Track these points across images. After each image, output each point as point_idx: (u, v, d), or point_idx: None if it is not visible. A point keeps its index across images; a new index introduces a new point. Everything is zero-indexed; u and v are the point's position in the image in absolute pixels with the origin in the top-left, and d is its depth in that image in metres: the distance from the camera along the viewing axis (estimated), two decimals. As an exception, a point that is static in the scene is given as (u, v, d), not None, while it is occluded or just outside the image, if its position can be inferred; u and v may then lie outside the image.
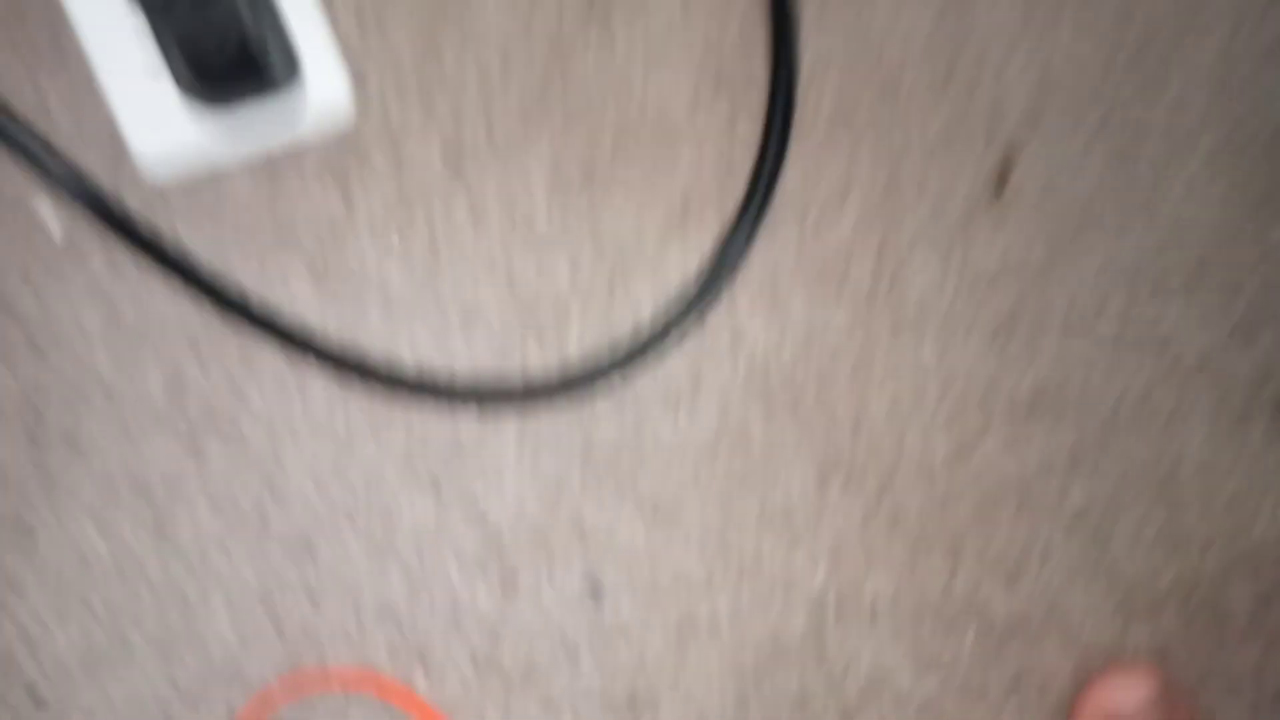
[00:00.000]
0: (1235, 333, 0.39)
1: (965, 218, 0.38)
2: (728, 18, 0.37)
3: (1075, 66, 0.37)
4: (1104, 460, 0.39)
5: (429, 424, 0.39)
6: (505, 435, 0.39)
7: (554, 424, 0.39)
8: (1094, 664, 0.37)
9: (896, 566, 0.38)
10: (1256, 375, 0.39)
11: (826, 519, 0.39)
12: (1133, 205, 0.39)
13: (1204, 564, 0.40)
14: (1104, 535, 0.39)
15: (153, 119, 0.34)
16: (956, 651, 0.38)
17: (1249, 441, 0.39)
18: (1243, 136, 0.38)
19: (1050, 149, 0.38)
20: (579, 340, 0.39)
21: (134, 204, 0.37)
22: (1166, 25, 0.37)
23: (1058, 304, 0.39)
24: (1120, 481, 0.40)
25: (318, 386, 0.39)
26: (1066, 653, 0.38)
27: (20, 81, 0.35)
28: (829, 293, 0.38)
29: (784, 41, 0.36)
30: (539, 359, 0.39)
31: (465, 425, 0.39)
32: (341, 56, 0.36)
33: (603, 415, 0.39)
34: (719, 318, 0.39)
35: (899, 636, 0.38)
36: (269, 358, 0.38)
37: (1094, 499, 0.40)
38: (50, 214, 0.38)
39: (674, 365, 0.39)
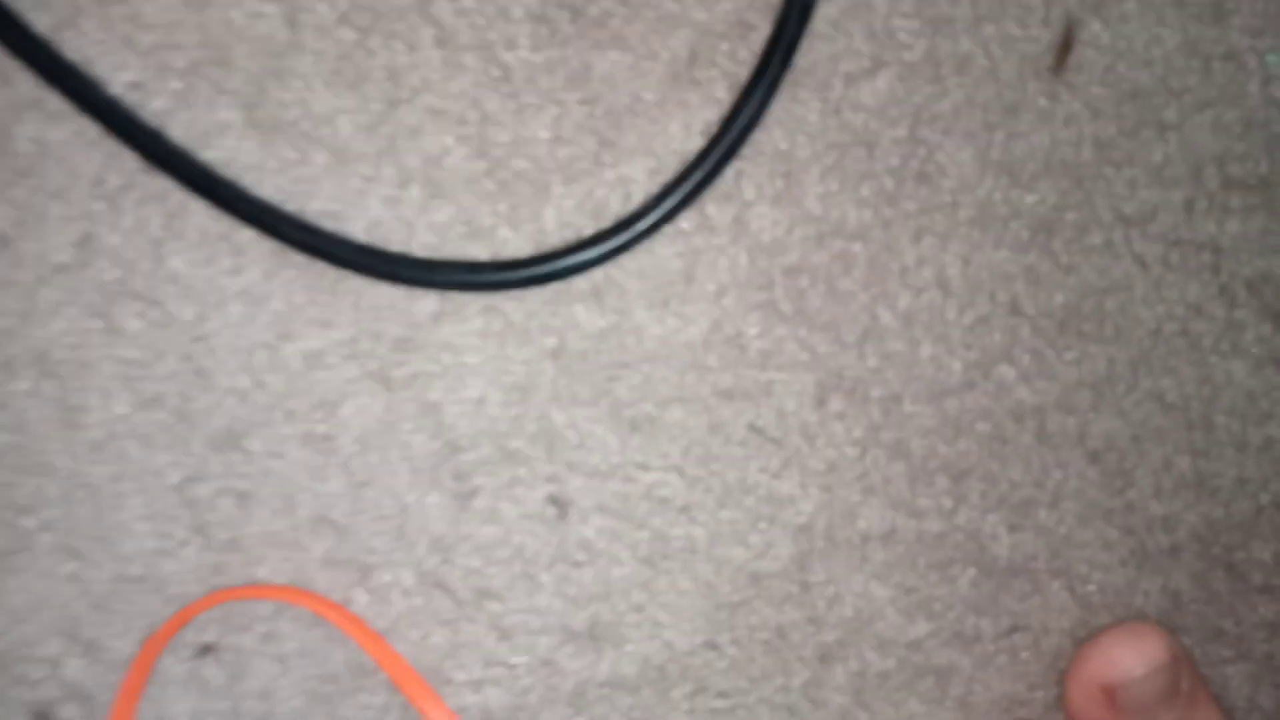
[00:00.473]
0: (1297, 260, 0.34)
1: (1011, 105, 0.33)
2: None
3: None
4: (1133, 394, 0.35)
5: (380, 305, 0.33)
6: (468, 324, 0.34)
7: (524, 315, 0.34)
8: (1098, 618, 0.34)
9: (894, 497, 0.34)
10: (1314, 309, 0.35)
11: (821, 441, 0.34)
12: (1199, 102, 0.33)
13: (1229, 513, 0.36)
14: (1124, 477, 0.35)
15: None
16: (950, 594, 0.34)
17: (1296, 382, 0.35)
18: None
19: (1116, 30, 0.32)
20: (557, 219, 0.34)
21: (34, 14, 0.30)
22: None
23: (1102, 212, 0.34)
24: (1148, 418, 0.35)
25: (253, 253, 0.33)
26: (1070, 602, 0.34)
27: None
28: (848, 183, 0.33)
29: None
30: (511, 238, 0.33)
31: (422, 309, 0.33)
32: None
33: (580, 308, 0.34)
34: (720, 204, 0.33)
35: (890, 574, 0.34)
36: (196, 216, 0.33)
37: (1117, 435, 0.35)
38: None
39: (664, 255, 0.33)
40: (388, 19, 0.33)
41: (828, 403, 0.36)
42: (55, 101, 0.33)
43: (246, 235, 0.34)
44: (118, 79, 0.33)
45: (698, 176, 0.33)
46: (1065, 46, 0.33)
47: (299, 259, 0.34)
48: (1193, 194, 0.34)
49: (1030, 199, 0.34)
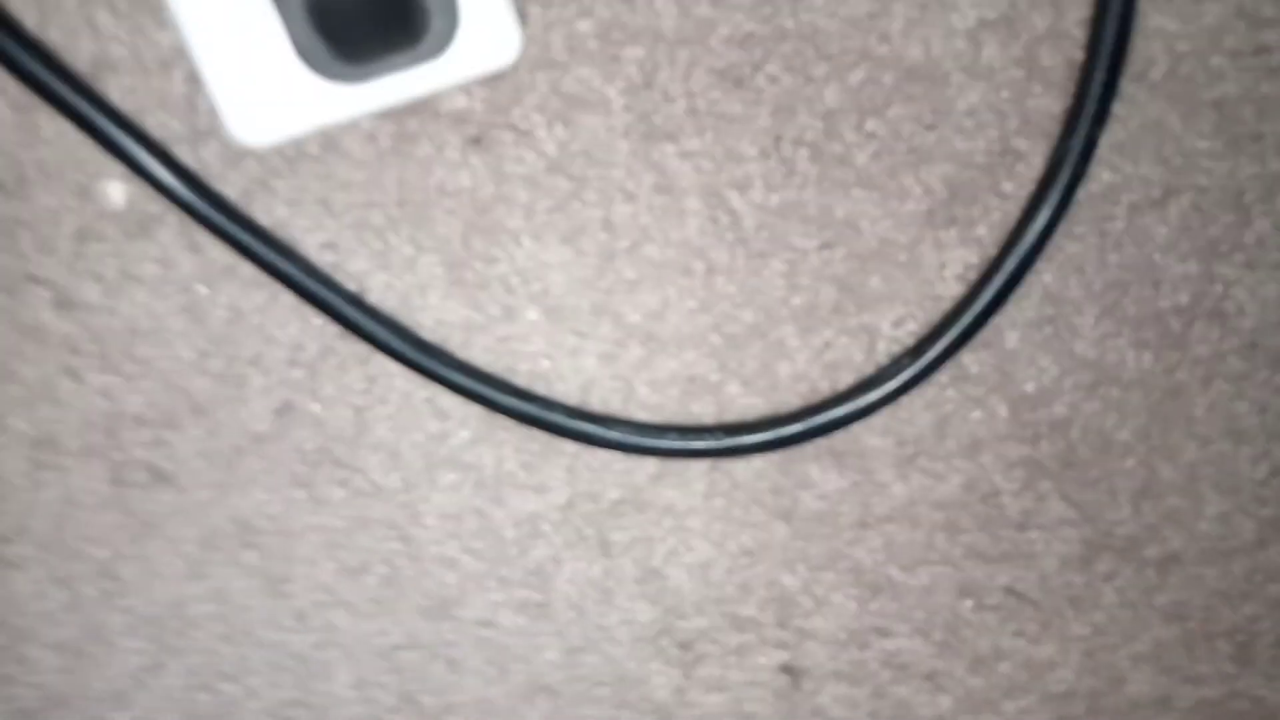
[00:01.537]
0: None
1: (1327, 234, 0.28)
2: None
3: None
4: None
5: (596, 467, 0.30)
6: (691, 486, 0.30)
7: (753, 475, 0.30)
8: None
9: (1167, 664, 0.30)
10: None
11: (1087, 604, 0.30)
12: None
13: None
14: None
15: (254, 74, 0.24)
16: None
17: None
18: None
19: None
20: (792, 374, 0.30)
21: (219, 177, 0.27)
22: None
23: None
24: None
25: (459, 417, 0.30)
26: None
27: (76, 23, 0.25)
28: (1127, 325, 0.29)
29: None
30: (738, 395, 0.30)
31: (641, 470, 0.30)
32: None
33: (815, 468, 0.30)
34: (978, 351, 0.29)
35: None
36: (399, 380, 0.30)
37: None
38: (119, 194, 0.28)
39: (913, 409, 0.29)
40: (603, 166, 0.29)
41: (1095, 563, 0.31)
42: (249, 268, 0.30)
43: (453, 399, 0.31)
44: (311, 241, 0.30)
45: (959, 327, 0.29)
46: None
47: (509, 423, 0.31)
48: None
49: (1346, 338, 0.29)
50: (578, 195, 0.31)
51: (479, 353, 0.33)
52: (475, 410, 0.33)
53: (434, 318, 0.32)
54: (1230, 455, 0.32)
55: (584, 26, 0.30)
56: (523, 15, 0.30)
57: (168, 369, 0.32)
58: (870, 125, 0.30)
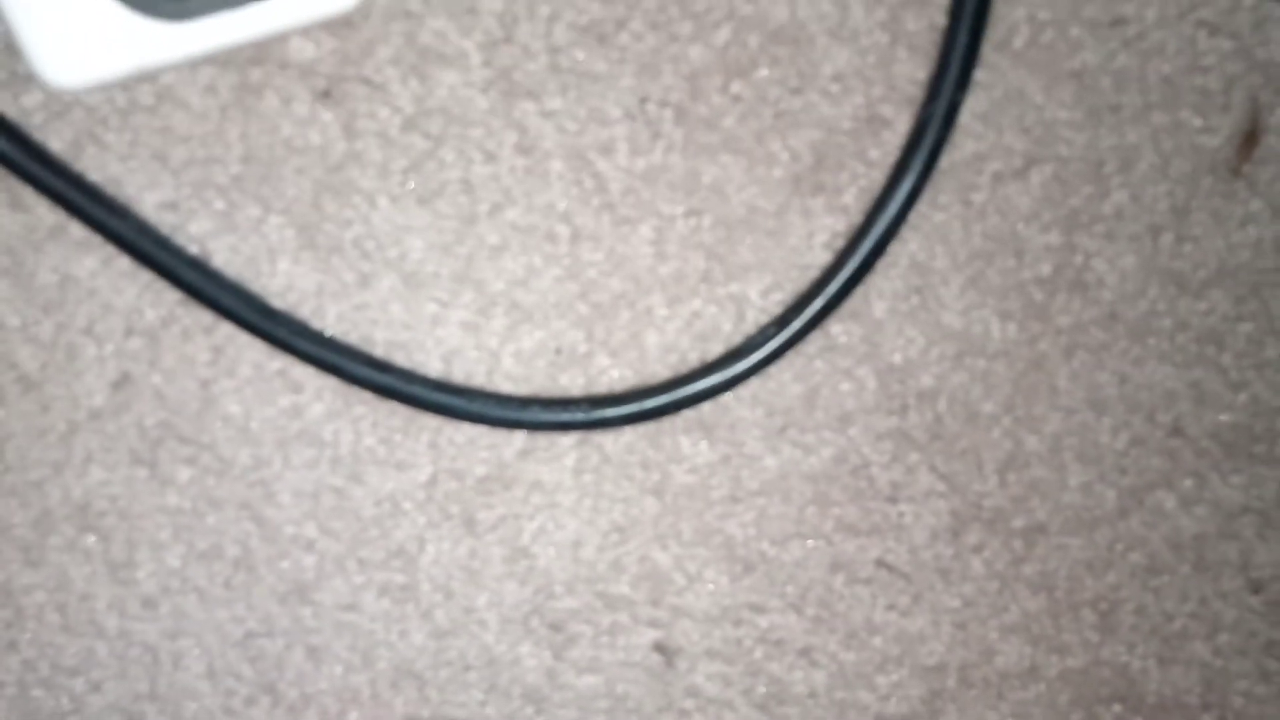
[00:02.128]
0: None
1: (1182, 205, 0.28)
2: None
3: None
4: (1305, 517, 0.31)
5: (461, 443, 0.29)
6: (560, 461, 0.29)
7: (623, 449, 0.29)
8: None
9: (1035, 634, 0.30)
10: None
11: (957, 576, 0.30)
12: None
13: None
14: (1290, 605, 0.31)
15: (68, 16, 0.22)
16: (1094, 730, 0.30)
17: None
18: None
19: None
20: (660, 344, 0.29)
21: (42, 128, 0.25)
22: None
23: (1279, 323, 0.29)
24: (1318, 541, 0.31)
25: (313, 390, 0.29)
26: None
27: None
28: (992, 295, 0.29)
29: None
30: (608, 366, 0.29)
31: (509, 446, 0.29)
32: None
33: (686, 440, 0.29)
34: (846, 322, 0.29)
35: (1029, 713, 0.31)
36: (249, 351, 0.28)
37: (1284, 562, 0.31)
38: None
39: (783, 380, 0.29)
40: (461, 123, 0.27)
41: (964, 535, 0.31)
42: (79, 228, 0.28)
43: (307, 371, 0.29)
44: (149, 199, 0.28)
45: (825, 296, 0.28)
46: (1250, 137, 0.28)
47: (368, 396, 0.29)
48: (1387, 301, 0.30)
49: (1199, 308, 0.30)
50: (435, 154, 0.29)
51: (333, 321, 0.31)
52: (330, 383, 0.31)
53: (284, 283, 0.30)
54: (1092, 426, 0.32)
55: (439, -23, 0.28)
56: (374, -37, 0.28)
57: (-9, 338, 0.30)
58: (736, 88, 0.29)
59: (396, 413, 0.32)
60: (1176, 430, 0.33)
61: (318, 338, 0.31)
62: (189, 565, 0.32)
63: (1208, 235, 0.31)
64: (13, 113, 0.28)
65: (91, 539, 0.32)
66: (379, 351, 0.31)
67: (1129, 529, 0.33)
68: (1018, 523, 0.33)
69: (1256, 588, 0.34)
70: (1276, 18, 0.29)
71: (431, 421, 0.32)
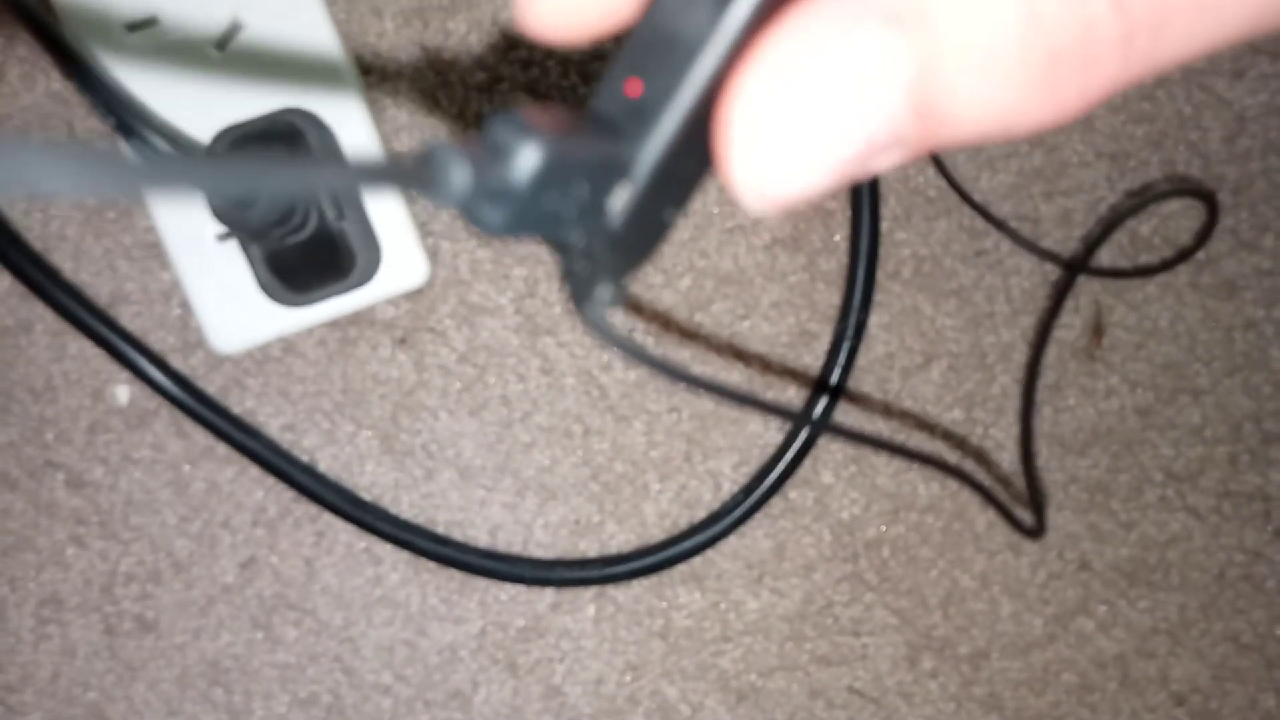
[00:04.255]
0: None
1: (1055, 384, 0.36)
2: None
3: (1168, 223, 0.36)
4: (1208, 636, 0.37)
5: (504, 600, 0.37)
6: (583, 612, 0.37)
7: (632, 600, 0.37)
8: None
9: None
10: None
11: (918, 698, 0.36)
12: (1228, 368, 0.36)
13: (1321, 746, 0.37)
14: (1210, 717, 0.37)
15: (229, 302, 0.33)
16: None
17: (1365, 614, 0.37)
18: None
19: (1141, 312, 0.36)
20: (656, 512, 0.37)
21: (204, 378, 0.36)
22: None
23: (1153, 471, 0.37)
24: (1226, 658, 0.37)
25: (391, 562, 0.37)
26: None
27: (101, 268, 0.35)
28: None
29: (867, 201, 0.35)
30: (617, 532, 0.37)
31: (542, 601, 0.37)
32: (418, 231, 0.35)
33: (682, 590, 0.37)
34: (801, 489, 0.37)
35: None
36: (343, 534, 0.37)
37: (1199, 677, 0.37)
38: (124, 395, 0.37)
39: (756, 537, 0.37)
40: (500, 355, 0.38)
41: (920, 662, 0.38)
42: (224, 448, 0.38)
43: (385, 548, 0.38)
44: (274, 423, 0.38)
45: (781, 467, 0.37)
46: (1098, 330, 0.37)
47: (432, 565, 0.38)
48: (1235, 450, 0.37)
49: (1083, 463, 0.37)
50: (481, 379, 0.40)
51: (406, 508, 0.40)
52: (404, 556, 0.40)
53: (370, 480, 0.40)
54: (1013, 564, 0.40)
55: (482, 254, 0.40)
56: (435, 249, 0.40)
57: (155, 534, 0.40)
58: (699, 318, 0.40)
59: (454, 578, 0.41)
60: (1084, 565, 0.40)
61: (395, 521, 0.40)
62: (292, 711, 0.40)
63: (1080, 405, 0.39)
64: (183, 368, 0.39)
65: (219, 692, 0.41)
66: (440, 529, 0.41)
67: (1059, 652, 0.40)
68: (963, 649, 0.40)
69: (1179, 700, 0.40)
70: (1106, 241, 0.39)
71: (481, 583, 0.40)
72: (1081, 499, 0.40)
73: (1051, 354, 0.39)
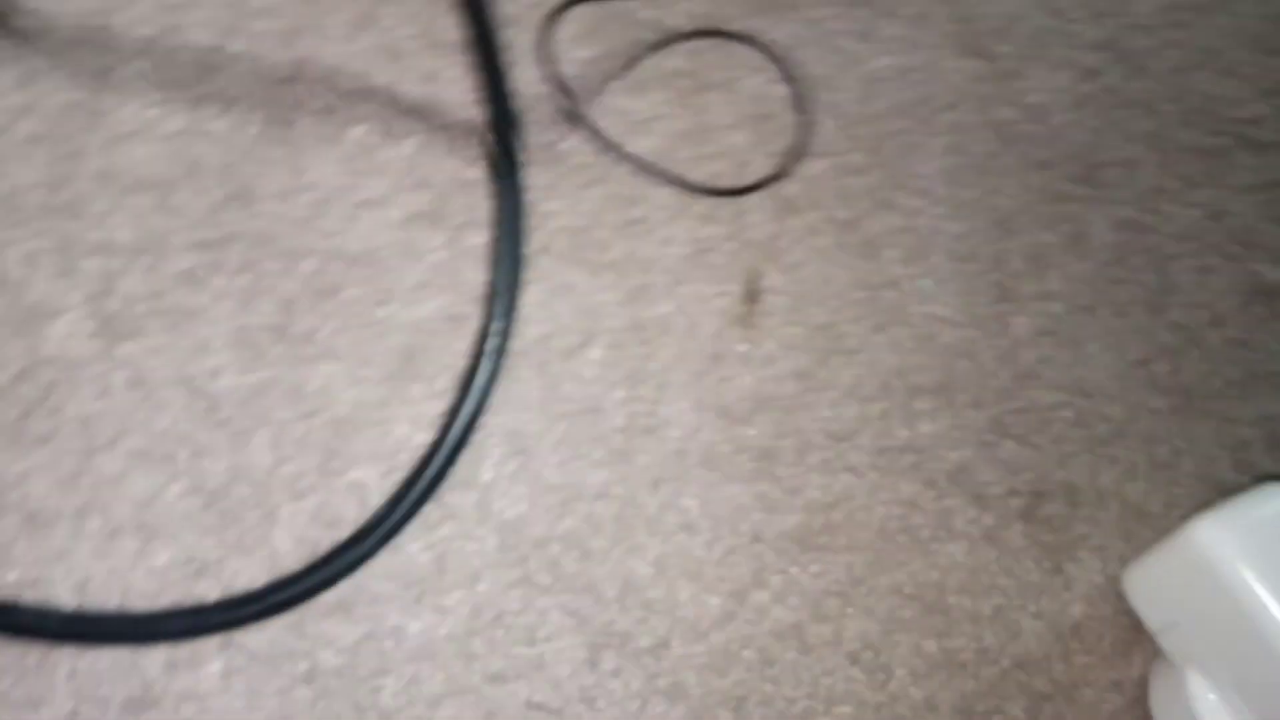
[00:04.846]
0: (981, 444, 0.38)
1: (715, 354, 0.35)
2: (438, 144, 0.32)
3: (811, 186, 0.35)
4: (875, 593, 0.38)
5: (101, 669, 0.30)
6: (206, 668, 0.31)
7: (268, 644, 0.31)
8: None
9: None
10: (1004, 484, 0.38)
11: (602, 701, 0.34)
12: (875, 326, 0.37)
13: (979, 682, 0.38)
14: (883, 670, 0.38)
15: None
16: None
17: (1007, 550, 0.38)
18: (973, 239, 0.37)
19: (793, 276, 0.35)
20: (291, 537, 0.32)
21: None
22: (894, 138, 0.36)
23: (813, 434, 0.37)
24: (893, 611, 0.38)
25: (-63, 645, 0.29)
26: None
27: None
28: (581, 448, 0.35)
29: (508, 169, 0.31)
30: (243, 567, 0.31)
31: (151, 663, 0.30)
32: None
33: (329, 624, 0.32)
34: (460, 491, 0.33)
35: None
36: None
37: (869, 633, 0.38)
38: None
39: (412, 552, 0.33)
40: (71, 368, 0.30)
41: (601, 662, 0.35)
42: None
43: (-72, 625, 0.30)
44: None
45: (433, 470, 0.32)
46: (752, 296, 0.36)
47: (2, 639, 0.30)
48: (886, 405, 0.38)
49: (750, 433, 0.37)
50: (46, 400, 0.32)
51: (-45, 571, 0.32)
52: (-44, 632, 0.32)
53: (-104, 542, 0.31)
54: (688, 545, 0.38)
55: (41, 243, 0.32)
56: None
57: None
58: (326, 306, 0.34)
59: (29, 652, 0.32)
60: (756, 537, 0.39)
61: (-64, 589, 0.31)
62: None
63: (740, 374, 0.38)
64: None
65: None
66: (7, 593, 0.32)
67: (738, 629, 0.39)
68: (644, 641, 0.38)
69: (854, 659, 0.40)
70: (756, 205, 0.38)
71: (68, 653, 0.33)
72: (748, 469, 0.39)
73: (710, 325, 0.38)
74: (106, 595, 0.33)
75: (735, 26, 0.37)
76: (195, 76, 0.32)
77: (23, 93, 0.31)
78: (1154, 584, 0.41)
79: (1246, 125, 0.41)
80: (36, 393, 0.32)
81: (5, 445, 0.32)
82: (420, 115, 0.34)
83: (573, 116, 0.35)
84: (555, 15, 0.35)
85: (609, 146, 0.36)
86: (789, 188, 0.38)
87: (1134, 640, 0.43)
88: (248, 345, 0.34)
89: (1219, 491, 0.43)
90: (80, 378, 0.32)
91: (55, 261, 0.32)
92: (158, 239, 0.33)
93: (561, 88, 0.35)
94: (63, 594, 0.33)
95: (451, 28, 0.34)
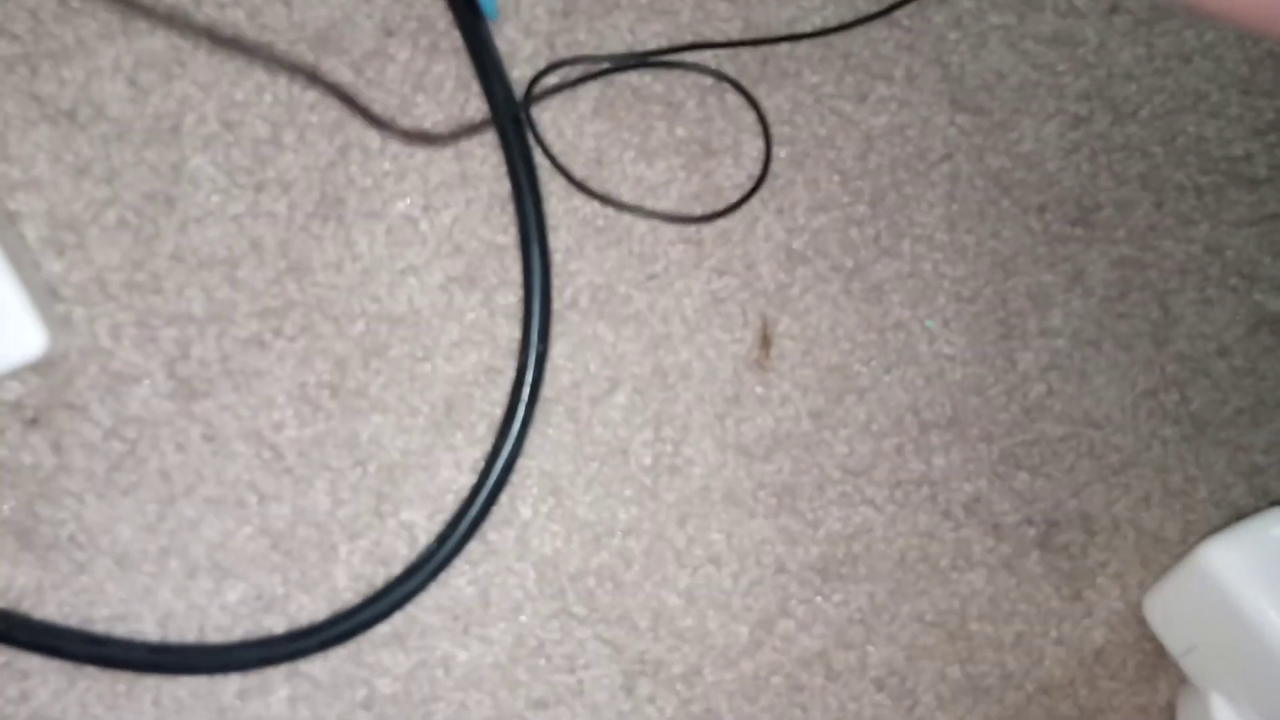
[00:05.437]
0: (994, 476, 0.40)
1: (733, 396, 0.38)
2: (473, 215, 0.35)
3: (817, 237, 0.38)
4: (897, 620, 0.40)
5: (182, 697, 0.34)
6: (274, 695, 0.34)
7: (329, 674, 0.34)
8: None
9: None
10: (1019, 513, 0.40)
11: None
12: (885, 366, 0.39)
13: (1004, 707, 0.40)
14: (909, 696, 0.39)
15: None
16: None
17: (1026, 577, 0.40)
18: (975, 280, 0.39)
19: (804, 321, 0.38)
20: (349, 575, 0.35)
21: None
22: (891, 189, 0.39)
23: (831, 470, 0.39)
24: (915, 638, 0.40)
25: (40, 676, 0.33)
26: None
27: None
28: (611, 487, 0.37)
29: (535, 235, 0.35)
30: (306, 603, 0.34)
31: (225, 690, 0.34)
32: (32, 297, 0.32)
33: (385, 654, 0.35)
34: (500, 529, 0.36)
35: None
36: (-27, 652, 0.32)
37: (894, 660, 0.40)
38: None
39: (458, 586, 0.36)
40: (153, 426, 0.35)
41: (636, 688, 0.38)
42: None
43: (31, 659, 0.33)
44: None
45: (475, 509, 0.36)
46: (765, 341, 0.38)
47: (92, 670, 0.34)
48: (900, 441, 0.40)
49: (770, 470, 0.39)
50: (132, 454, 0.36)
51: (55, 609, 0.36)
52: (54, 665, 0.35)
53: (5, 584, 0.35)
54: (715, 577, 0.40)
55: (123, 317, 0.36)
56: (68, 315, 0.36)
57: None
58: (375, 364, 0.38)
59: (120, 679, 0.36)
60: (780, 569, 0.41)
61: (34, 626, 0.35)
62: None
63: (758, 415, 0.41)
64: None
65: None
66: (99, 628, 0.36)
67: (766, 657, 0.41)
68: (677, 669, 0.40)
69: (880, 685, 0.42)
70: (766, 257, 0.41)
71: (152, 682, 0.36)
72: (770, 504, 0.41)
73: (727, 369, 0.41)
74: (186, 629, 0.37)
75: (734, 93, 0.40)
76: (255, 164, 0.36)
77: (108, 186, 0.36)
78: (1171, 608, 0.42)
79: (1239, 162, 0.43)
80: (123, 448, 0.36)
81: (97, 496, 0.36)
82: (454, 188, 0.38)
83: (584, 187, 0.39)
84: (553, 91, 0.39)
85: (623, 207, 0.39)
86: (796, 240, 0.41)
87: (1158, 665, 0.44)
88: (307, 400, 0.37)
89: (1236, 517, 0.44)
90: (160, 434, 0.36)
91: (137, 332, 0.37)
92: (226, 309, 0.37)
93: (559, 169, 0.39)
94: (148, 629, 0.36)
95: (476, 110, 0.38)
